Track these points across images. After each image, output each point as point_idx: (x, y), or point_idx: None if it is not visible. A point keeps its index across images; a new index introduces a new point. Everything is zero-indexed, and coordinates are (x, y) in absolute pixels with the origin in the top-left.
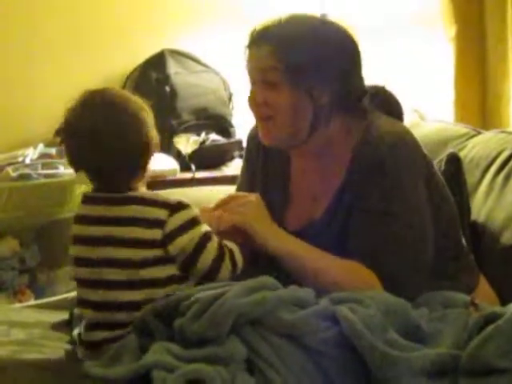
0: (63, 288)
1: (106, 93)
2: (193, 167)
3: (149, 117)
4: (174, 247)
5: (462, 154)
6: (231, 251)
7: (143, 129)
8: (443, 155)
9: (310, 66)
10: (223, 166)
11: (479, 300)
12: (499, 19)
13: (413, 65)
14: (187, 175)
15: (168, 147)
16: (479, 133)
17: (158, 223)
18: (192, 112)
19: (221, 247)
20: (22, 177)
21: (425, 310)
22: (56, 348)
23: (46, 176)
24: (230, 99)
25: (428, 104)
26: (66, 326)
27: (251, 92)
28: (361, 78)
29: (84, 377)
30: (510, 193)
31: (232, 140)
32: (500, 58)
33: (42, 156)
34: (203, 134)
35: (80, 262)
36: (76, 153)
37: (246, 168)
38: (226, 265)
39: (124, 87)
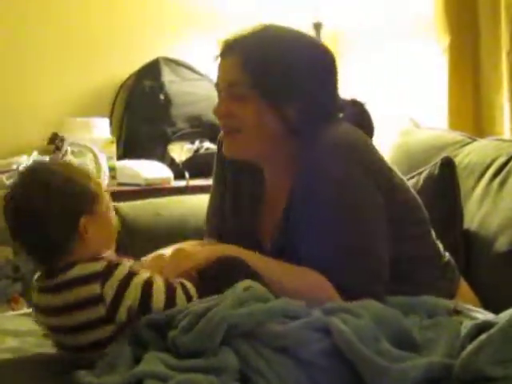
0: None
1: (40, 173)
2: (187, 175)
3: (85, 193)
4: (121, 315)
5: (456, 161)
6: (182, 284)
7: (67, 211)
8: (437, 159)
9: (277, 80)
10: None
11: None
12: (492, 29)
13: (407, 73)
14: (181, 183)
15: (162, 155)
16: (474, 140)
17: (97, 299)
18: (186, 120)
19: (169, 286)
20: None
21: (416, 318)
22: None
23: None
24: None
25: (422, 112)
26: None
27: (218, 103)
28: (332, 94)
29: None
30: (504, 199)
31: None
32: (493, 67)
33: None
34: (197, 142)
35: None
36: (10, 231)
37: (217, 180)
38: (181, 298)
39: (118, 95)
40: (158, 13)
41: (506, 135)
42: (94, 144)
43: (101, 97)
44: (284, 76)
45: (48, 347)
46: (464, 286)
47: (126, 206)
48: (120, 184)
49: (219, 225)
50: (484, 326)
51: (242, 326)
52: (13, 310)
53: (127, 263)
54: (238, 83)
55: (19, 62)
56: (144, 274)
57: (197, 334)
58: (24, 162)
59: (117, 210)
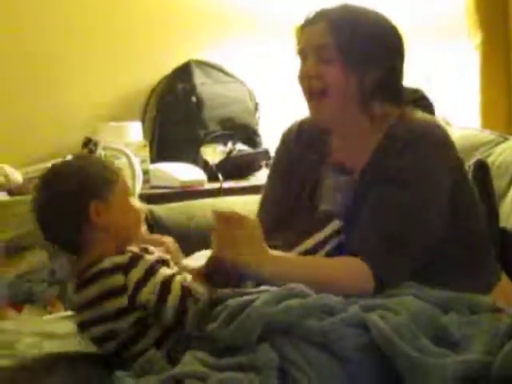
0: None
1: (53, 168)
2: (220, 177)
3: (95, 180)
4: (141, 298)
5: (489, 161)
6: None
7: (81, 202)
8: (470, 162)
9: (360, 46)
10: (250, 176)
11: (500, 298)
12: None
13: (439, 72)
14: (215, 185)
15: (195, 158)
16: (506, 139)
17: (121, 290)
18: (218, 122)
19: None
20: None
21: (454, 315)
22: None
23: None
24: (256, 109)
25: (454, 111)
26: None
27: (302, 67)
28: (402, 76)
29: None
30: None
31: (258, 150)
32: None
33: None
34: (230, 144)
35: None
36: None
37: (277, 171)
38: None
39: (150, 98)
40: (190, 15)
41: None
42: (127, 148)
43: (133, 101)
44: (367, 43)
45: (86, 347)
46: (505, 280)
47: (159, 209)
48: (153, 187)
49: (278, 212)
50: None
51: (278, 323)
52: (50, 313)
53: (150, 257)
54: (325, 46)
55: (52, 69)
56: (167, 271)
57: (234, 330)
58: None
59: (150, 212)
